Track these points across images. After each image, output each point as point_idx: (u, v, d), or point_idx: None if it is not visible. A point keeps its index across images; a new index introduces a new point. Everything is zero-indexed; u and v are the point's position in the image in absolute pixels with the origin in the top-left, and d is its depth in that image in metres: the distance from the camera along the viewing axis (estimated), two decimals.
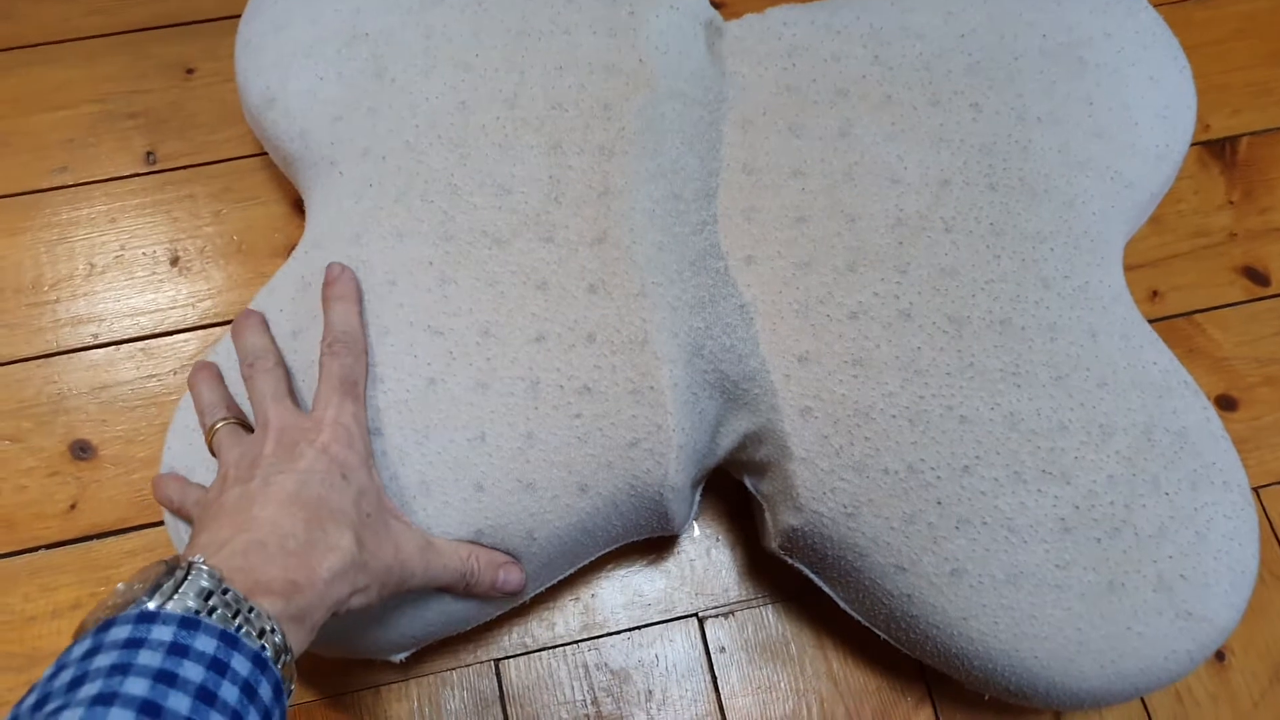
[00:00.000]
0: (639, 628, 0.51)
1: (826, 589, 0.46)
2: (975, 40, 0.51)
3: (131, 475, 0.54)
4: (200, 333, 0.58)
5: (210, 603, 0.30)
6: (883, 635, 0.45)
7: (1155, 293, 0.59)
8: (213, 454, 0.42)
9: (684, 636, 0.51)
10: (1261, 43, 0.66)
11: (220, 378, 0.45)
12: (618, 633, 0.51)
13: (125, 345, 0.58)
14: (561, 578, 0.48)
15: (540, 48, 0.50)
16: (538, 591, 0.47)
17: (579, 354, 0.43)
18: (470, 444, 0.43)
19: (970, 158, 0.47)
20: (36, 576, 0.52)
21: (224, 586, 0.31)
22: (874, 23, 0.51)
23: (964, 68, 0.50)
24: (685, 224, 0.47)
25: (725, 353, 0.45)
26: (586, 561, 0.48)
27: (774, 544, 0.47)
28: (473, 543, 0.43)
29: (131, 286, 0.59)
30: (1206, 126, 0.63)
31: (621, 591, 0.52)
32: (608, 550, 0.48)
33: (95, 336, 0.58)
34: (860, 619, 0.46)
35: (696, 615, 0.51)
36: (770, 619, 0.51)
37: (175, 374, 0.57)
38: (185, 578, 0.31)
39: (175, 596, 0.30)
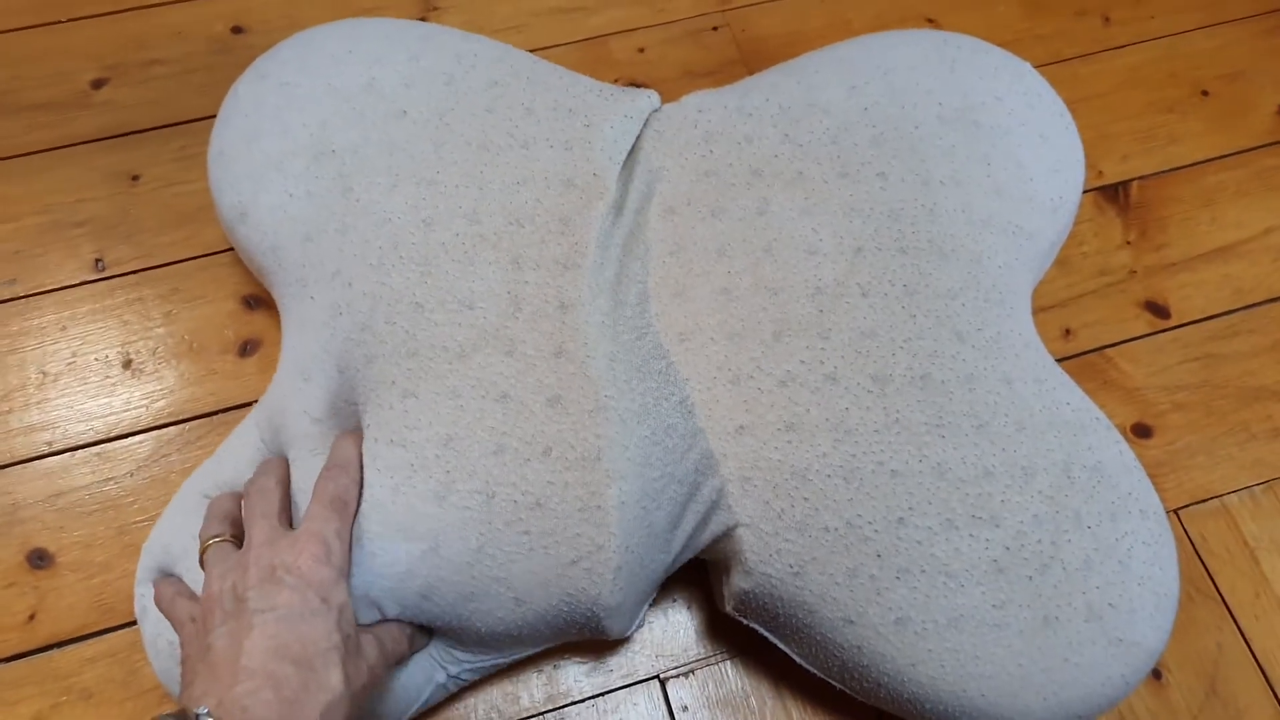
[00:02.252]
0: (602, 694, 0.52)
1: (782, 645, 0.48)
2: (878, 112, 0.55)
3: (91, 580, 0.55)
4: (155, 433, 0.59)
5: None
6: (838, 686, 0.47)
7: (1067, 331, 0.62)
8: (202, 568, 0.44)
9: (647, 699, 0.52)
10: (1143, 92, 0.71)
11: (236, 490, 0.48)
12: (582, 701, 0.52)
13: (80, 451, 0.58)
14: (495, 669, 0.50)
15: (500, 162, 0.52)
16: (472, 681, 0.50)
17: (534, 468, 0.45)
18: (423, 555, 0.44)
19: (880, 224, 0.51)
20: None
21: None
22: (782, 102, 0.55)
23: (869, 139, 0.54)
24: (631, 331, 0.48)
25: (668, 454, 0.46)
26: (517, 659, 0.50)
27: (728, 607, 0.49)
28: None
29: (84, 392, 0.60)
30: (1100, 173, 0.68)
31: (582, 658, 0.53)
32: (538, 651, 0.50)
33: (49, 444, 0.58)
34: (817, 673, 0.48)
35: (658, 677, 0.53)
36: (730, 674, 0.53)
37: (131, 476, 0.57)
38: None
39: None
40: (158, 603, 0.46)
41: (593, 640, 0.49)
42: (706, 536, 0.47)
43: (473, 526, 0.44)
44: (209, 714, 0.34)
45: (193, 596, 0.45)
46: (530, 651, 0.49)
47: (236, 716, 0.35)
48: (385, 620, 0.45)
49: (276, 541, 0.42)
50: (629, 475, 0.45)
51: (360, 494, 0.45)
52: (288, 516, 0.45)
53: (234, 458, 0.51)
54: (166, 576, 0.47)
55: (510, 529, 0.44)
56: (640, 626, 0.53)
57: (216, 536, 0.44)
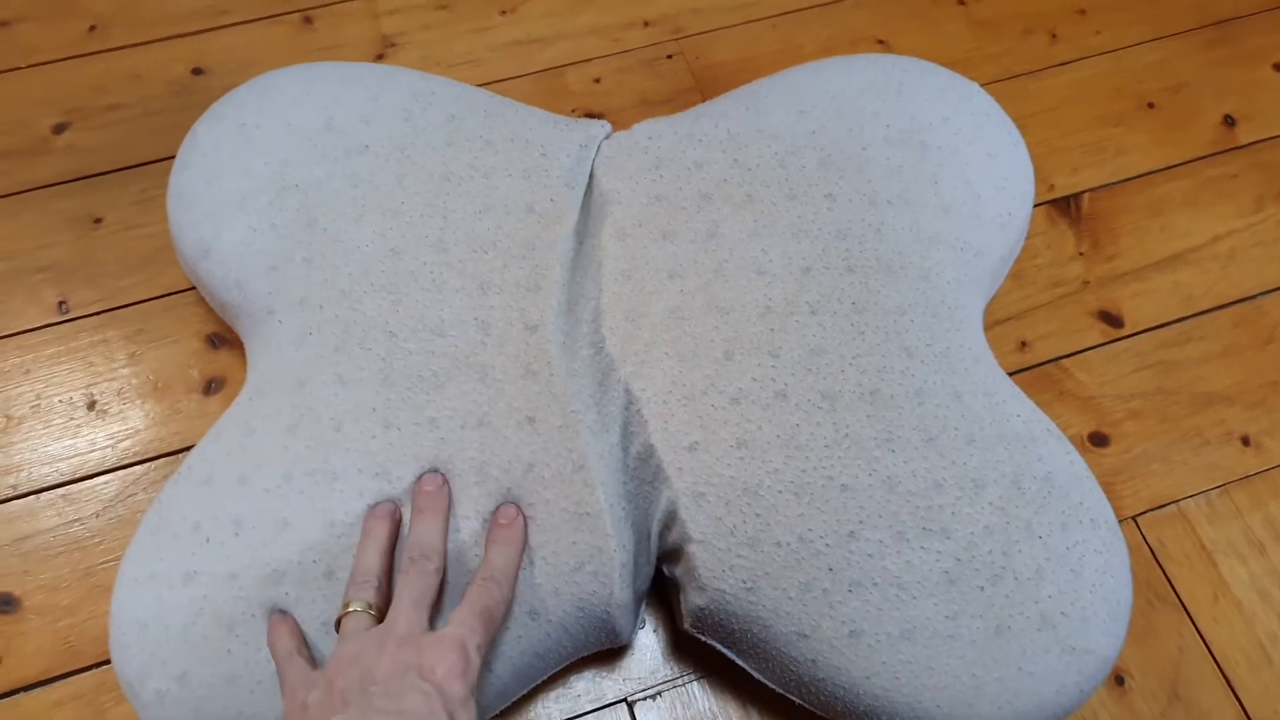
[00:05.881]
0: (571, 719, 0.52)
1: (740, 662, 0.48)
2: (825, 136, 0.56)
3: (56, 624, 0.55)
4: (121, 473, 0.59)
5: None
6: (798, 701, 0.47)
7: (1024, 343, 0.63)
8: (335, 630, 0.43)
9: None
10: (1090, 106, 0.73)
11: (391, 540, 0.45)
12: None
13: (45, 493, 0.58)
14: (514, 700, 0.49)
15: (462, 191, 0.54)
16: (492, 715, 0.49)
17: (518, 489, 0.46)
18: None
19: (828, 244, 0.52)
20: None
21: None
22: (731, 128, 0.56)
23: (817, 162, 0.55)
24: (589, 346, 0.50)
25: (634, 460, 0.48)
26: (539, 682, 0.49)
27: (686, 624, 0.49)
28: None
29: (49, 434, 0.60)
30: (1051, 186, 0.69)
31: (550, 684, 0.53)
32: (558, 669, 0.49)
33: (14, 487, 0.58)
34: (776, 688, 0.48)
35: (625, 700, 0.53)
36: (697, 695, 0.53)
37: (97, 517, 0.58)
38: None
39: None
40: (271, 645, 0.43)
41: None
42: (667, 545, 0.48)
43: (468, 551, 0.45)
44: None
45: (310, 660, 0.43)
46: (549, 674, 0.49)
47: None
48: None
49: (419, 640, 0.39)
50: (608, 482, 0.47)
51: (509, 610, 0.44)
52: (438, 606, 0.43)
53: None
54: (284, 616, 0.44)
55: None
56: (642, 627, 0.54)
57: (359, 604, 0.42)
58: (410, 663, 0.38)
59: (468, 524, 0.46)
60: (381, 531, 0.45)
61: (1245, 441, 0.60)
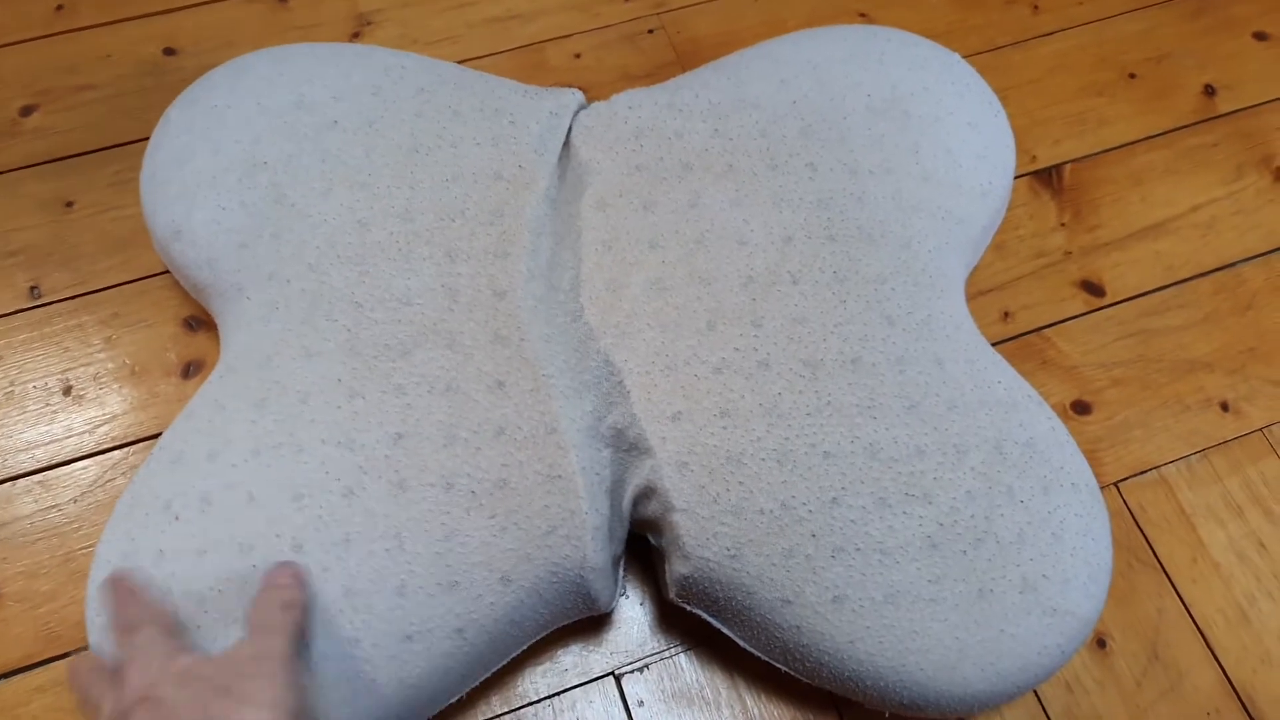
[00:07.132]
0: (557, 694, 0.52)
1: (726, 630, 0.48)
2: (807, 105, 0.56)
3: (36, 610, 0.54)
4: (98, 458, 0.58)
5: None
6: (783, 668, 0.48)
7: (1006, 314, 0.63)
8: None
9: (602, 696, 0.52)
10: (1073, 78, 0.73)
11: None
12: (537, 701, 0.52)
13: (21, 480, 0.57)
14: (495, 670, 0.49)
15: (430, 162, 0.53)
16: (472, 687, 0.49)
17: (489, 452, 0.46)
18: (389, 552, 0.44)
19: (809, 214, 0.52)
20: None
21: None
22: (712, 98, 0.56)
23: (798, 131, 0.55)
24: (565, 313, 0.50)
25: (611, 430, 0.48)
26: (518, 652, 0.49)
27: (672, 594, 0.49)
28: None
29: (24, 421, 0.59)
30: (1033, 158, 0.69)
31: (537, 659, 0.53)
32: (538, 638, 0.49)
33: None
34: (761, 655, 0.48)
35: (613, 673, 0.53)
36: (684, 667, 0.53)
37: (75, 502, 0.57)
38: None
39: None
40: (72, 678, 0.41)
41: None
42: (650, 515, 0.48)
43: (434, 516, 0.45)
44: None
45: (113, 682, 0.40)
46: (528, 643, 0.49)
47: None
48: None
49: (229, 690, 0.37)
50: (581, 445, 0.47)
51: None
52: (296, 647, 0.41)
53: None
54: (88, 657, 0.42)
55: (475, 512, 0.45)
56: (623, 595, 0.54)
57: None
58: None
59: (431, 491, 0.46)
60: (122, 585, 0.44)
61: (1224, 407, 0.61)
